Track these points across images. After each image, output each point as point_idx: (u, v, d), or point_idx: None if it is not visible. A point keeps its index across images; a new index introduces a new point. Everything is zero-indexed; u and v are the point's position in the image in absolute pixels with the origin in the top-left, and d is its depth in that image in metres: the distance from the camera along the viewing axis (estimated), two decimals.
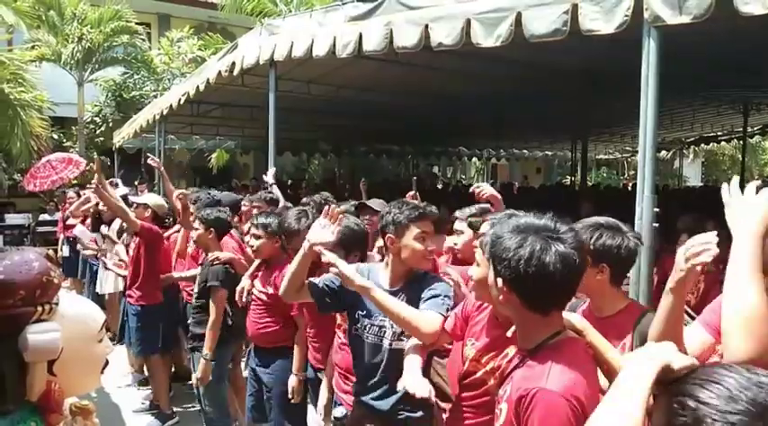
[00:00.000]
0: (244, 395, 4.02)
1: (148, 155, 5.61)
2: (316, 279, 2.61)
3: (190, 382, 4.40)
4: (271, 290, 3.54)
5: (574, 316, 1.81)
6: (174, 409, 5.02)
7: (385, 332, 2.51)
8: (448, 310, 2.34)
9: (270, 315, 3.62)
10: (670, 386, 0.96)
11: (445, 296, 2.41)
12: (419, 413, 2.45)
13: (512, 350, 1.91)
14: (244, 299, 3.86)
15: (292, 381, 3.46)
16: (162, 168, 6.65)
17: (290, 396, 3.46)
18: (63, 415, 1.24)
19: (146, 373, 5.48)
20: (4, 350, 1.14)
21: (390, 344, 2.50)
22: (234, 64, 5.85)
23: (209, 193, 5.49)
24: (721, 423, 0.84)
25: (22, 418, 1.15)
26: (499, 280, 1.56)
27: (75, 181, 10.84)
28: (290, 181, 9.90)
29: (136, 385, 5.70)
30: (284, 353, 3.55)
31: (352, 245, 3.04)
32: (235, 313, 4.02)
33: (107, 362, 1.37)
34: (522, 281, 1.51)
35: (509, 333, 1.88)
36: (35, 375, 1.17)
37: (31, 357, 1.15)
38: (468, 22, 3.48)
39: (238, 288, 4.05)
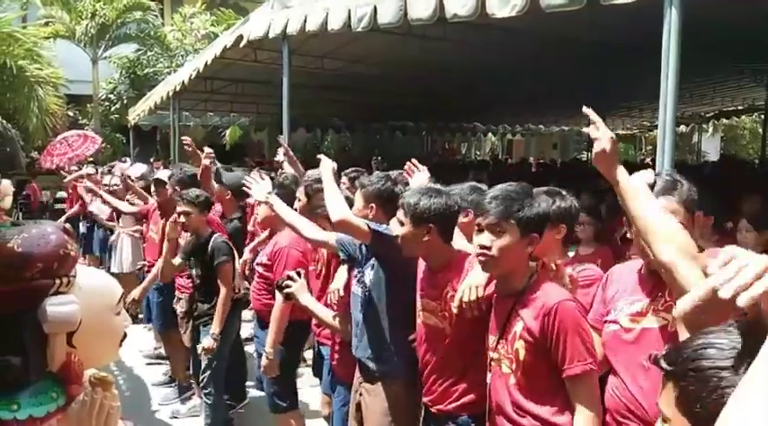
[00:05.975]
0: None
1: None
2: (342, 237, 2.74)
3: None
4: (266, 260, 3.63)
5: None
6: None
7: (364, 278, 2.57)
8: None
9: (267, 288, 3.65)
10: (672, 371, 0.94)
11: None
12: (388, 367, 2.50)
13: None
14: (246, 272, 3.95)
15: (264, 359, 3.31)
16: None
17: (262, 372, 3.40)
18: (83, 386, 1.25)
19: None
20: (25, 323, 1.15)
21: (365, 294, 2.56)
22: (240, 36, 5.83)
23: (182, 169, 5.39)
24: (723, 369, 0.87)
25: (43, 388, 1.17)
26: (529, 238, 1.95)
27: (90, 159, 10.91)
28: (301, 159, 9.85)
29: (156, 359, 5.78)
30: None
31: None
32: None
33: (125, 335, 1.38)
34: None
35: (489, 288, 2.10)
36: (55, 346, 1.18)
37: (51, 328, 1.16)
38: None
39: (240, 261, 4.19)
